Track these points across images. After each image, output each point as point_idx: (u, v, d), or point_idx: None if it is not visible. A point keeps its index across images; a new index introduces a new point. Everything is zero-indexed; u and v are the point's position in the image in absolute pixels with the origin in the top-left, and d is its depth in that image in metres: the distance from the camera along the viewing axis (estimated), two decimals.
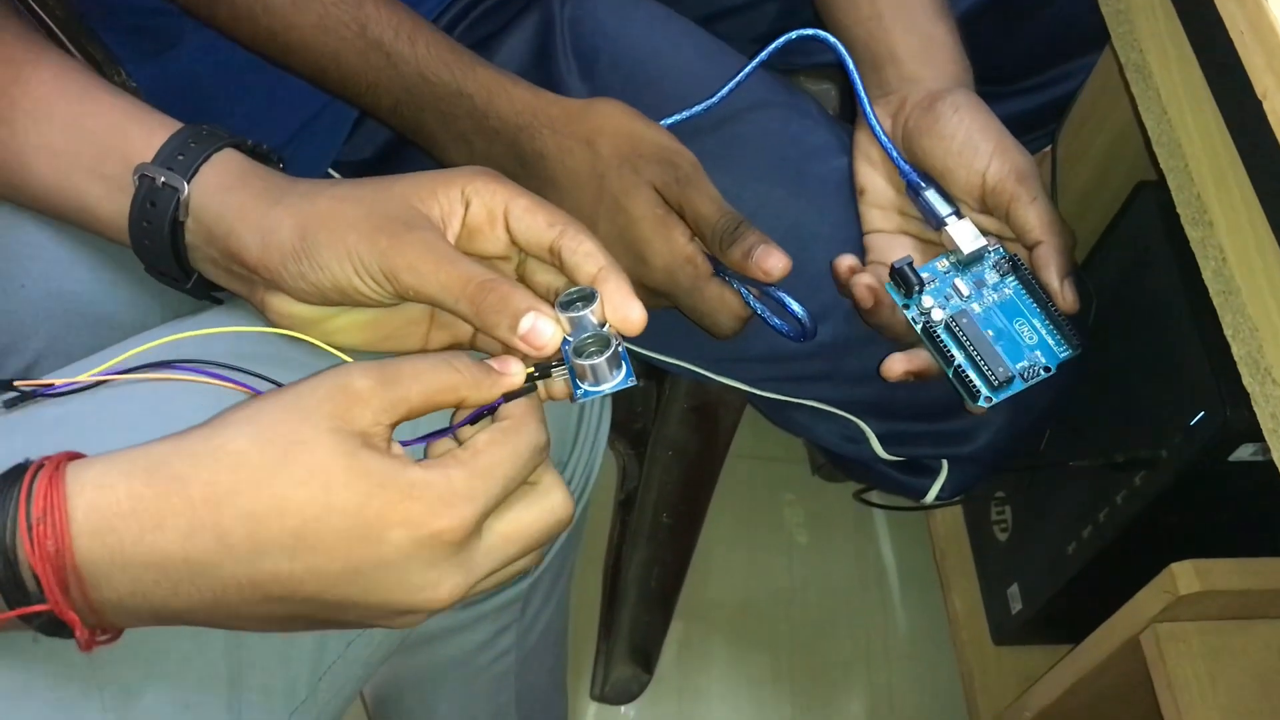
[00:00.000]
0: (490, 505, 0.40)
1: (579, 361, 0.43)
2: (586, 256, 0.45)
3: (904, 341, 0.62)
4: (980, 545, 1.05)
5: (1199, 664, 0.70)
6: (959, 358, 0.59)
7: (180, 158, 0.47)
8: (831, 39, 0.61)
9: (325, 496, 0.37)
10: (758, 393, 0.70)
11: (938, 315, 0.60)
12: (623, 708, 1.07)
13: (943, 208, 0.60)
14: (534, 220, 0.46)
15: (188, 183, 0.46)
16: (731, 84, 0.63)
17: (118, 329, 0.54)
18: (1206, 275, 0.54)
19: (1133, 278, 0.81)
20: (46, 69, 0.50)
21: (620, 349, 0.43)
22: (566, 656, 0.80)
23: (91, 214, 0.49)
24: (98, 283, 0.55)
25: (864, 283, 0.60)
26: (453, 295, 0.42)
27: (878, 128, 0.62)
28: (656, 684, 1.07)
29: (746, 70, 0.63)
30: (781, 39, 0.61)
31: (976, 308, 0.60)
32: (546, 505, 0.42)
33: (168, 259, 0.48)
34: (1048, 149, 0.90)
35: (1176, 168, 0.56)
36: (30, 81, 0.49)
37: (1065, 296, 0.58)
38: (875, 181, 0.64)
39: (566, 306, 0.44)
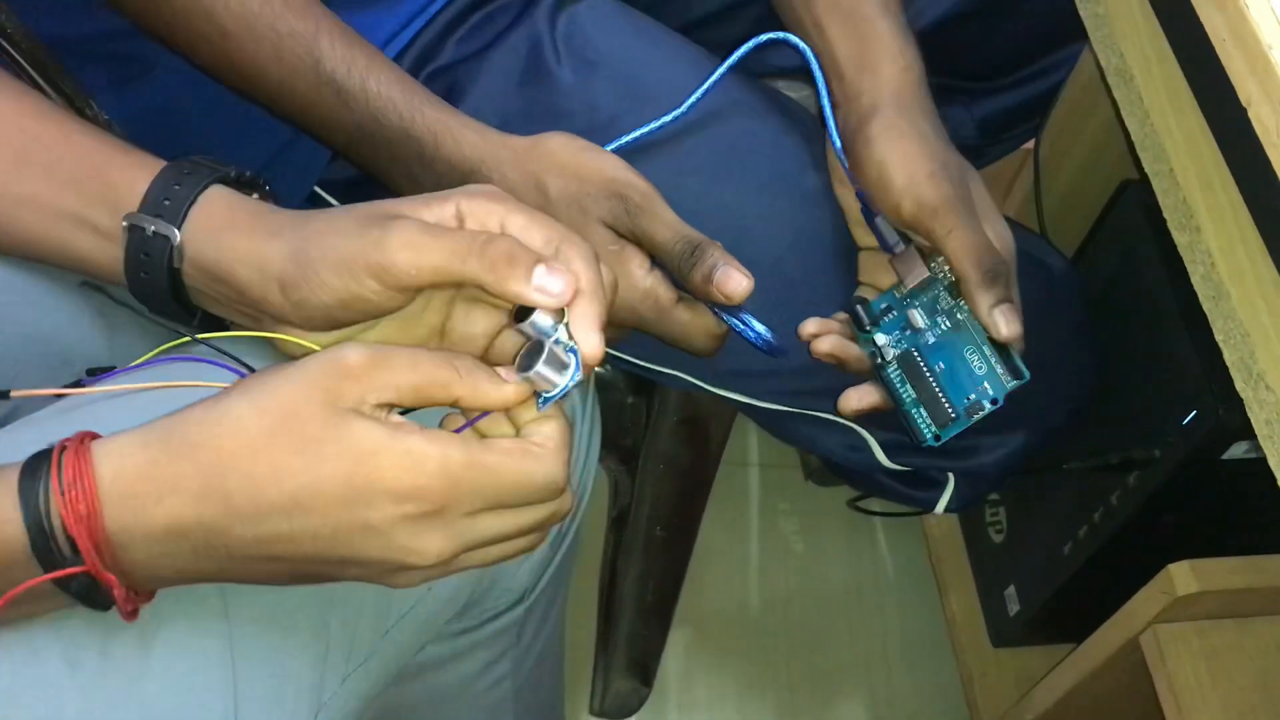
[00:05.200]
0: (474, 505, 0.41)
1: (526, 375, 0.42)
2: (580, 270, 0.44)
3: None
4: (976, 548, 1.04)
5: (1199, 664, 0.70)
6: (908, 398, 0.59)
7: (167, 202, 0.46)
8: (801, 44, 0.61)
9: (317, 464, 0.39)
10: (759, 404, 0.69)
11: (889, 354, 0.60)
12: None
13: (890, 237, 0.60)
14: (531, 237, 0.45)
15: (179, 229, 0.46)
16: (699, 92, 0.62)
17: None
18: (1195, 280, 0.53)
19: (1121, 277, 0.81)
20: (19, 113, 0.49)
21: (554, 346, 0.43)
22: (563, 679, 0.79)
23: (83, 263, 0.49)
24: (76, 325, 0.54)
25: (823, 350, 0.60)
26: (459, 256, 0.42)
27: (839, 151, 0.61)
28: (656, 697, 1.07)
29: (715, 76, 0.62)
30: (750, 43, 0.60)
31: (931, 339, 0.60)
32: (536, 475, 0.42)
33: (170, 305, 0.48)
34: (1031, 143, 0.90)
35: (1161, 171, 0.55)
36: (5, 131, 0.48)
37: (998, 328, 0.56)
38: (849, 199, 0.63)
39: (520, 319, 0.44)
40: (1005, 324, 0.56)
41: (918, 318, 0.60)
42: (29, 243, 0.49)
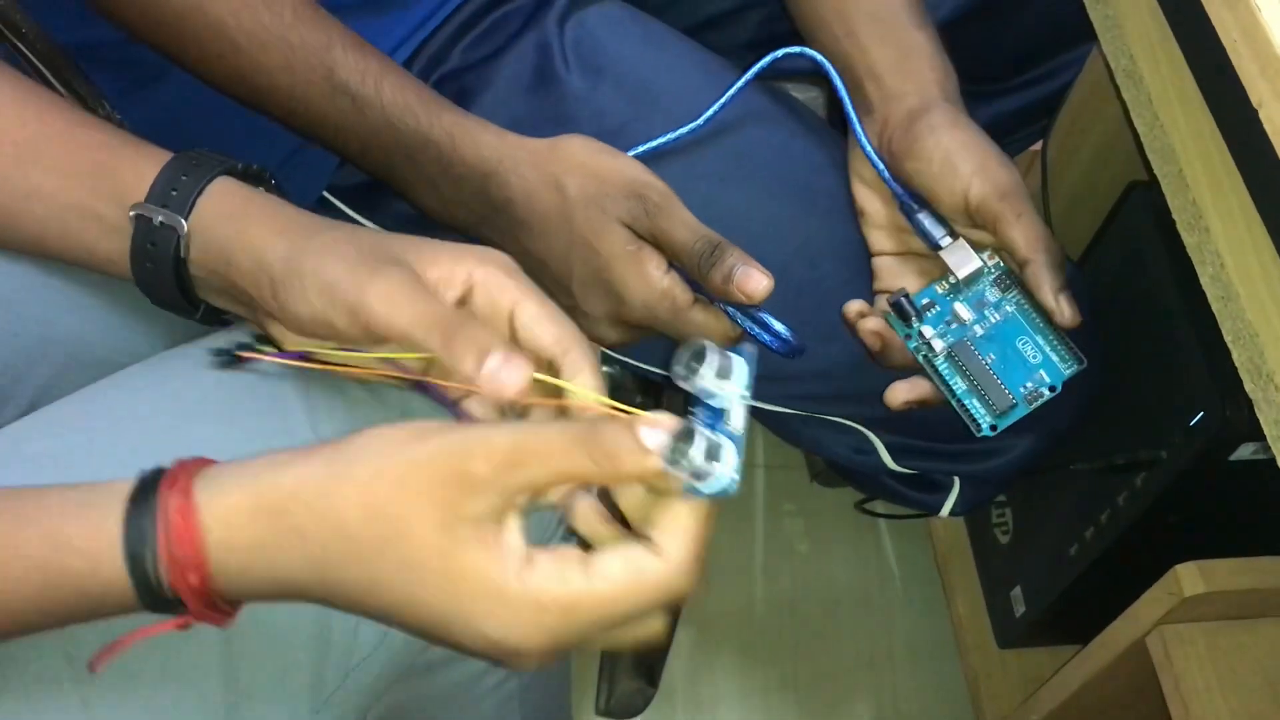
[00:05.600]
0: (582, 638, 0.38)
1: (674, 462, 0.37)
2: (582, 386, 0.43)
3: (914, 372, 0.62)
4: (982, 549, 1.04)
5: (1206, 665, 0.70)
6: (960, 388, 0.59)
7: (174, 193, 0.46)
8: (820, 57, 0.61)
9: (415, 594, 0.38)
10: (765, 407, 0.70)
11: (938, 345, 0.60)
12: None
13: (936, 230, 0.60)
14: (541, 331, 0.45)
15: (185, 220, 0.46)
16: (717, 105, 0.62)
17: (114, 368, 0.53)
18: (1204, 280, 0.53)
19: (1128, 278, 0.81)
20: (28, 109, 0.49)
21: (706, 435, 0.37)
22: (570, 678, 0.79)
23: (90, 255, 0.49)
24: (91, 323, 0.54)
25: (870, 329, 0.60)
26: (424, 327, 0.42)
27: (871, 152, 0.61)
28: (661, 697, 1.07)
29: (732, 90, 0.62)
30: (768, 58, 0.61)
31: (979, 330, 0.60)
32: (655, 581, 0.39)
33: (174, 295, 0.48)
34: (1038, 145, 0.90)
35: (1170, 173, 0.55)
36: (11, 126, 0.48)
37: (1063, 312, 0.57)
38: (872, 203, 0.64)
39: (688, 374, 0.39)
40: (1070, 308, 0.57)
41: (964, 311, 0.60)
42: (36, 237, 0.49)
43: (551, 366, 0.44)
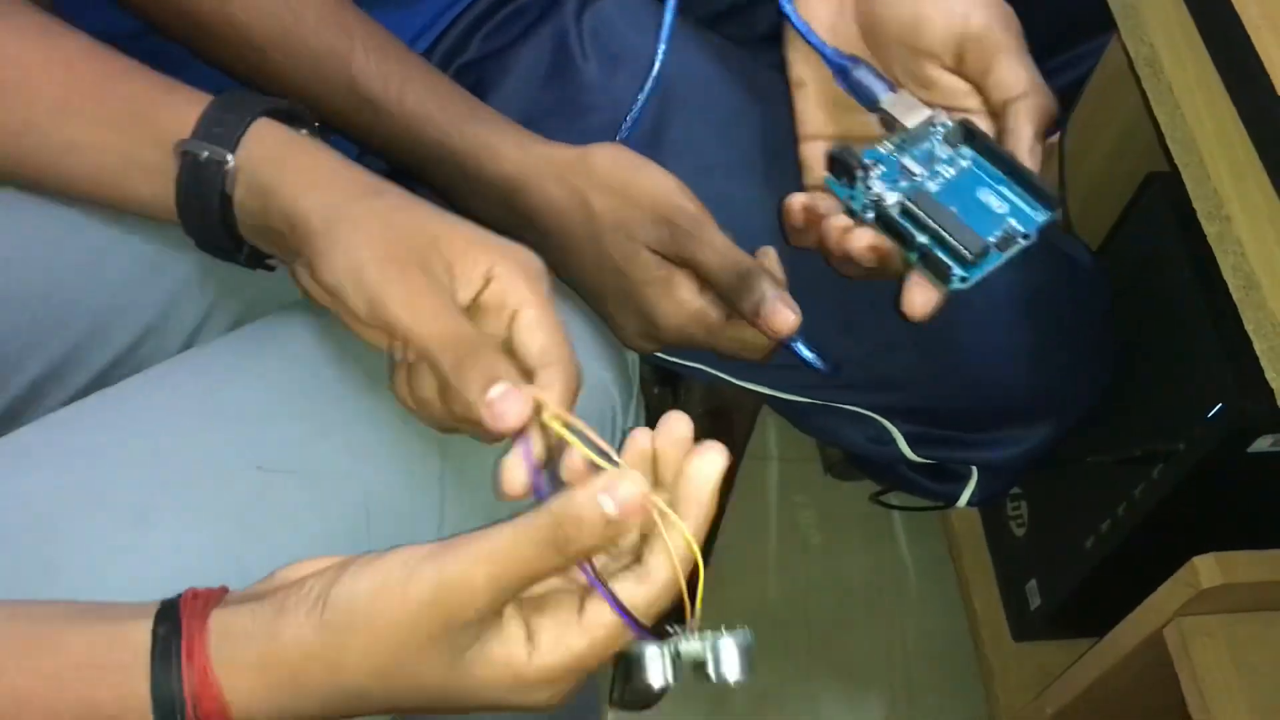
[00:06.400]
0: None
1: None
2: (551, 399, 0.43)
3: (848, 271, 0.55)
4: (997, 541, 1.04)
5: (1224, 657, 0.69)
6: (922, 239, 0.51)
7: (219, 130, 0.46)
8: None
9: (440, 701, 0.40)
10: (782, 396, 0.69)
11: (891, 198, 0.52)
12: (643, 713, 1.06)
13: (878, 84, 0.55)
14: (530, 339, 0.45)
15: (232, 155, 0.46)
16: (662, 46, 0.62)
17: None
18: (1225, 270, 0.53)
19: (1146, 270, 0.81)
20: (54, 59, 0.49)
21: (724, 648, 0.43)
22: (596, 676, 0.79)
23: (138, 202, 0.49)
24: (71, 278, 0.53)
25: (798, 205, 0.55)
26: (437, 345, 0.42)
27: (791, 12, 0.57)
28: (677, 689, 1.07)
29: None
30: None
31: (933, 186, 0.53)
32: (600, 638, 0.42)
33: (219, 233, 0.48)
34: (1056, 136, 0.89)
35: (1191, 162, 0.55)
36: (41, 80, 0.48)
37: (1036, 153, 0.52)
38: (812, 70, 0.58)
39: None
40: (1041, 152, 0.52)
41: (914, 165, 0.53)
42: (77, 186, 0.50)
43: (531, 372, 0.45)
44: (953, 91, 0.56)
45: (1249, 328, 0.52)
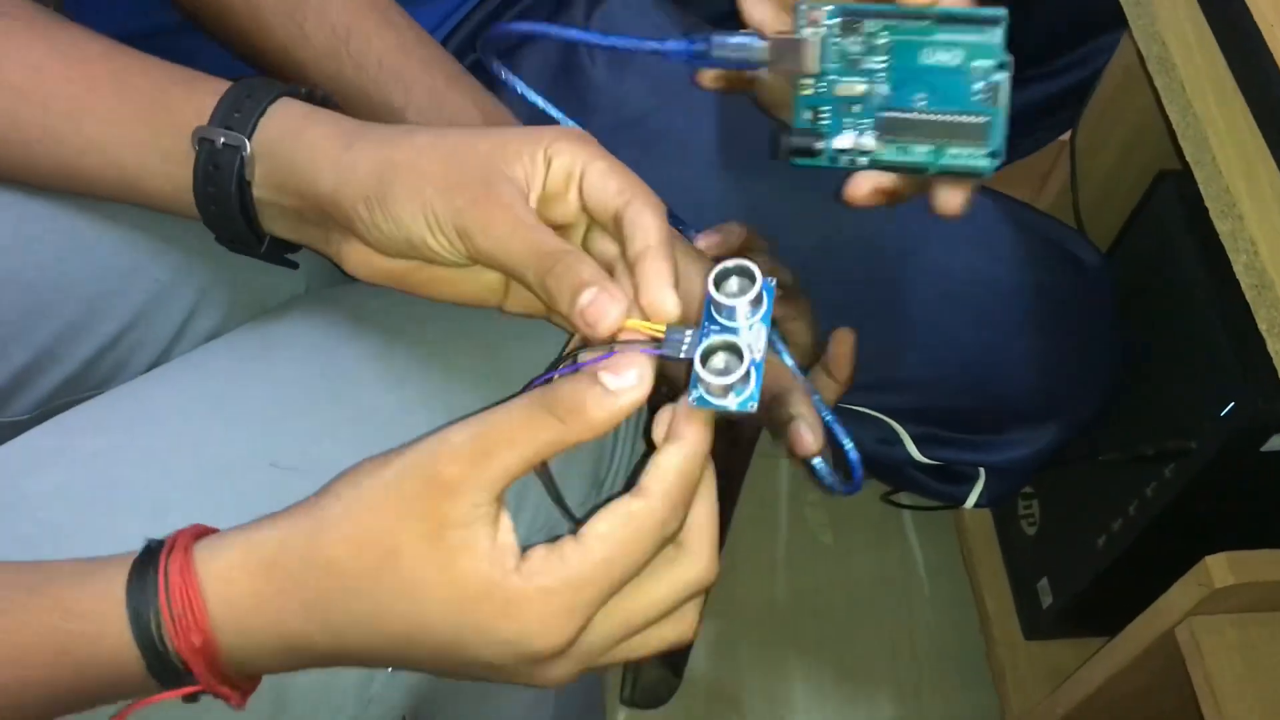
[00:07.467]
0: (597, 609, 0.37)
1: (704, 373, 0.36)
2: (641, 230, 0.41)
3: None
4: (1009, 540, 1.04)
5: (1236, 657, 0.69)
6: (925, 157, 0.47)
7: (237, 115, 0.46)
8: None
9: (421, 614, 0.37)
10: None
11: (869, 142, 0.47)
12: (652, 711, 1.07)
13: (742, 44, 0.47)
14: (605, 185, 0.43)
15: (249, 139, 0.45)
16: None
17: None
18: (1237, 269, 0.53)
19: (1157, 268, 0.81)
20: (71, 59, 0.48)
21: (755, 361, 0.37)
22: (601, 678, 0.79)
23: (156, 195, 0.48)
24: (56, 267, 0.53)
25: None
26: (522, 263, 0.40)
27: None
28: (686, 687, 1.07)
29: None
30: None
31: (883, 90, 0.47)
32: (679, 579, 0.39)
33: (238, 223, 0.47)
34: (1067, 134, 0.89)
35: (1204, 160, 0.55)
36: (58, 83, 0.48)
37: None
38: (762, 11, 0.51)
39: (719, 284, 0.38)
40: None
41: (849, 83, 0.47)
42: (97, 188, 0.49)
43: (615, 218, 0.42)
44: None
45: (1261, 326, 0.51)
